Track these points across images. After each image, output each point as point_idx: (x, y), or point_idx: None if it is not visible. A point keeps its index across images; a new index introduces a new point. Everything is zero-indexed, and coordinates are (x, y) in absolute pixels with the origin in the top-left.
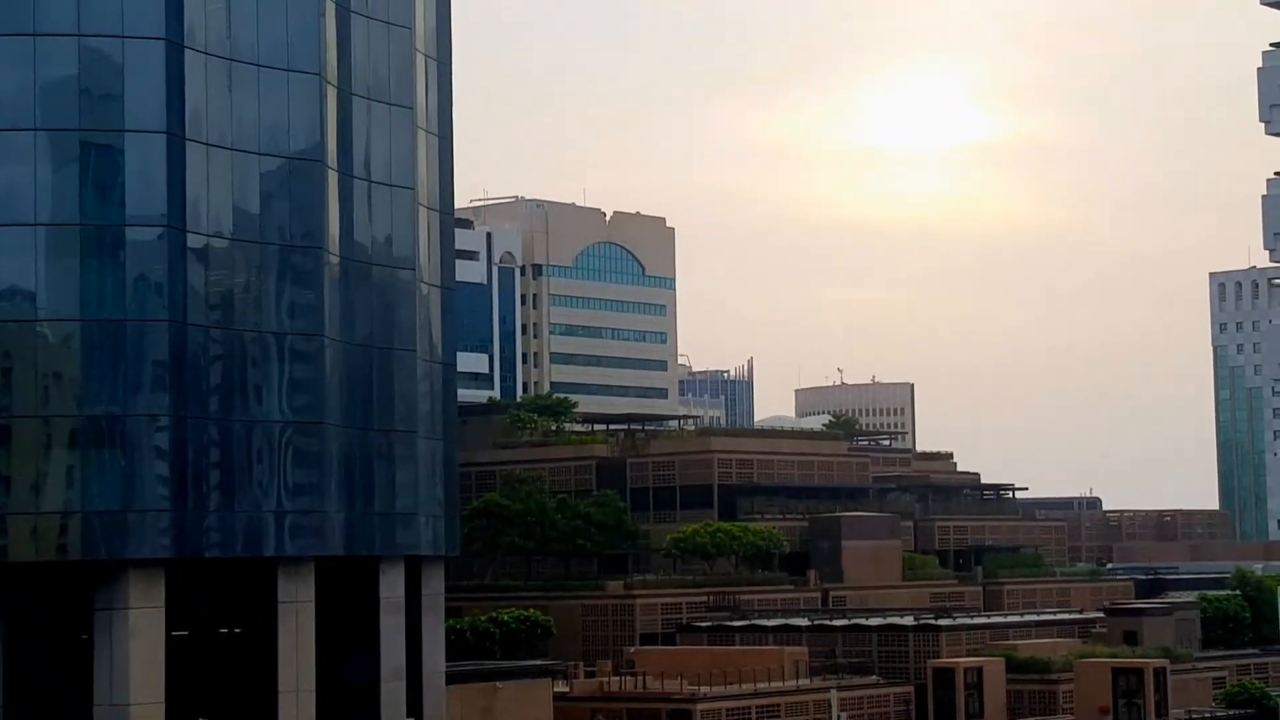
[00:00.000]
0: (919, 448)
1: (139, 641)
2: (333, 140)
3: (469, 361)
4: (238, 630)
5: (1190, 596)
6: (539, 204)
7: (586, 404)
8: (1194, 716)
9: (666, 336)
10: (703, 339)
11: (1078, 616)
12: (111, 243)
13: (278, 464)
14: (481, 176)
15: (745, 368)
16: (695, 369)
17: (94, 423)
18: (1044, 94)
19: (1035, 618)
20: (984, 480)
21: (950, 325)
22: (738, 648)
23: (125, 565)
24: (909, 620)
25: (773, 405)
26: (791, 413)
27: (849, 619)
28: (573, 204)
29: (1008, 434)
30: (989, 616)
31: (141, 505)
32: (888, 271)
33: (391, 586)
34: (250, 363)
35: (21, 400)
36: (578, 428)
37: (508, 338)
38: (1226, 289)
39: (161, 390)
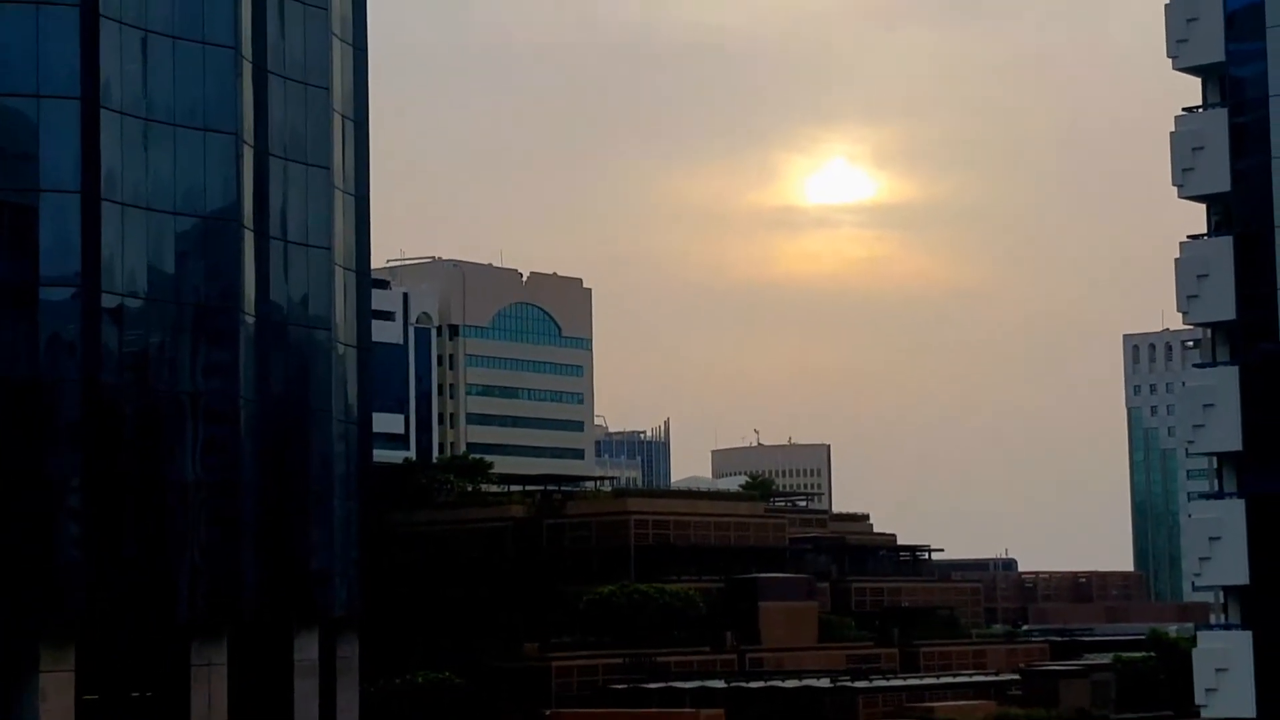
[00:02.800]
0: (835, 509)
1: (49, 705)
2: (249, 200)
3: (385, 422)
4: (149, 694)
5: (1106, 658)
6: (456, 264)
7: (503, 465)
8: None
9: (583, 397)
10: (619, 400)
11: (994, 678)
12: (25, 302)
13: (192, 525)
14: (398, 236)
15: (662, 429)
16: (612, 430)
17: (6, 482)
18: (959, 156)
19: (951, 679)
20: (900, 541)
21: (866, 386)
22: (654, 710)
23: (36, 627)
24: (825, 682)
25: (689, 466)
26: (708, 474)
27: (765, 681)
28: (490, 264)
29: (924, 495)
30: (905, 678)
31: (53, 565)
32: (803, 333)
33: (305, 649)
34: (165, 423)
35: None
36: (494, 488)
37: (424, 398)
38: (1140, 351)
39: (75, 450)
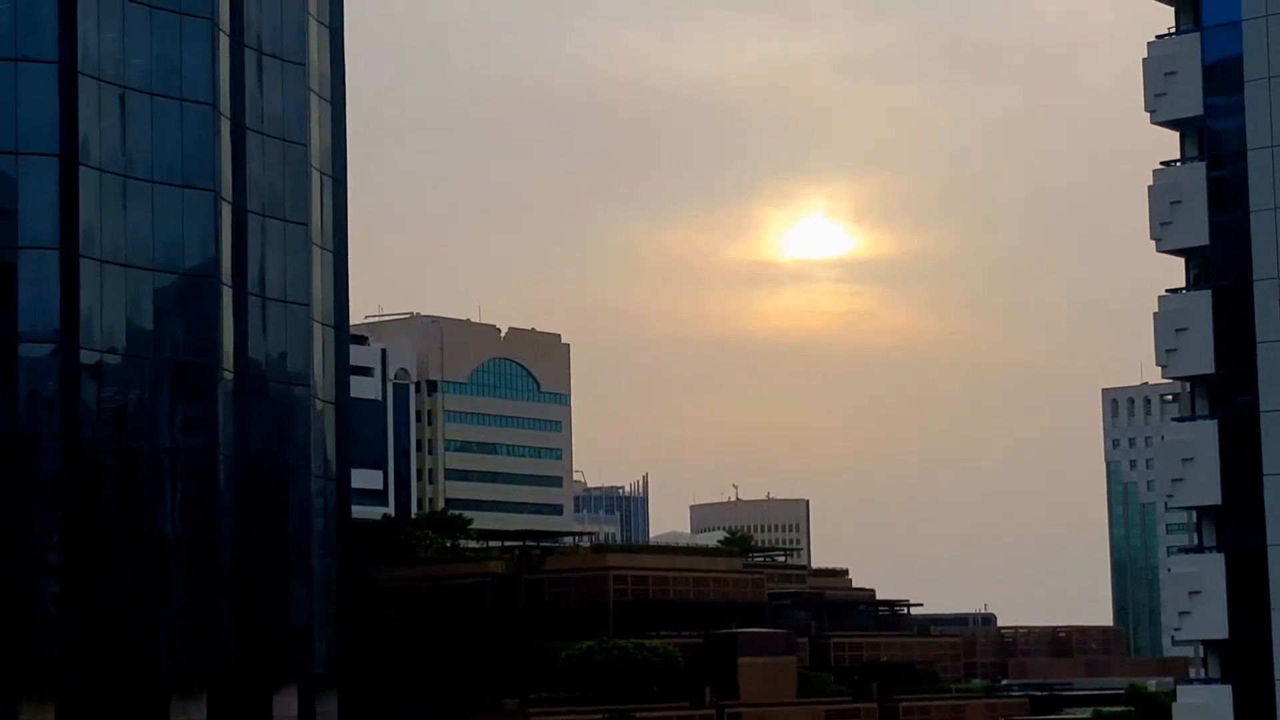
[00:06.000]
0: (814, 564)
1: None
2: (227, 256)
3: (364, 478)
4: None
5: (1085, 713)
6: (434, 320)
7: (482, 520)
8: None
9: (562, 453)
10: (598, 455)
11: None
12: (4, 359)
13: (171, 581)
14: (376, 293)
15: (640, 484)
16: (590, 485)
17: None
18: (937, 211)
19: None
20: (879, 596)
21: (845, 441)
22: None
23: (16, 683)
24: None
25: (668, 521)
26: (687, 529)
27: None
28: (468, 320)
29: (903, 550)
30: None
31: (33, 621)
32: (782, 387)
33: (285, 705)
34: (144, 479)
35: None
36: (473, 544)
37: (402, 454)
38: (1119, 405)
39: (53, 507)
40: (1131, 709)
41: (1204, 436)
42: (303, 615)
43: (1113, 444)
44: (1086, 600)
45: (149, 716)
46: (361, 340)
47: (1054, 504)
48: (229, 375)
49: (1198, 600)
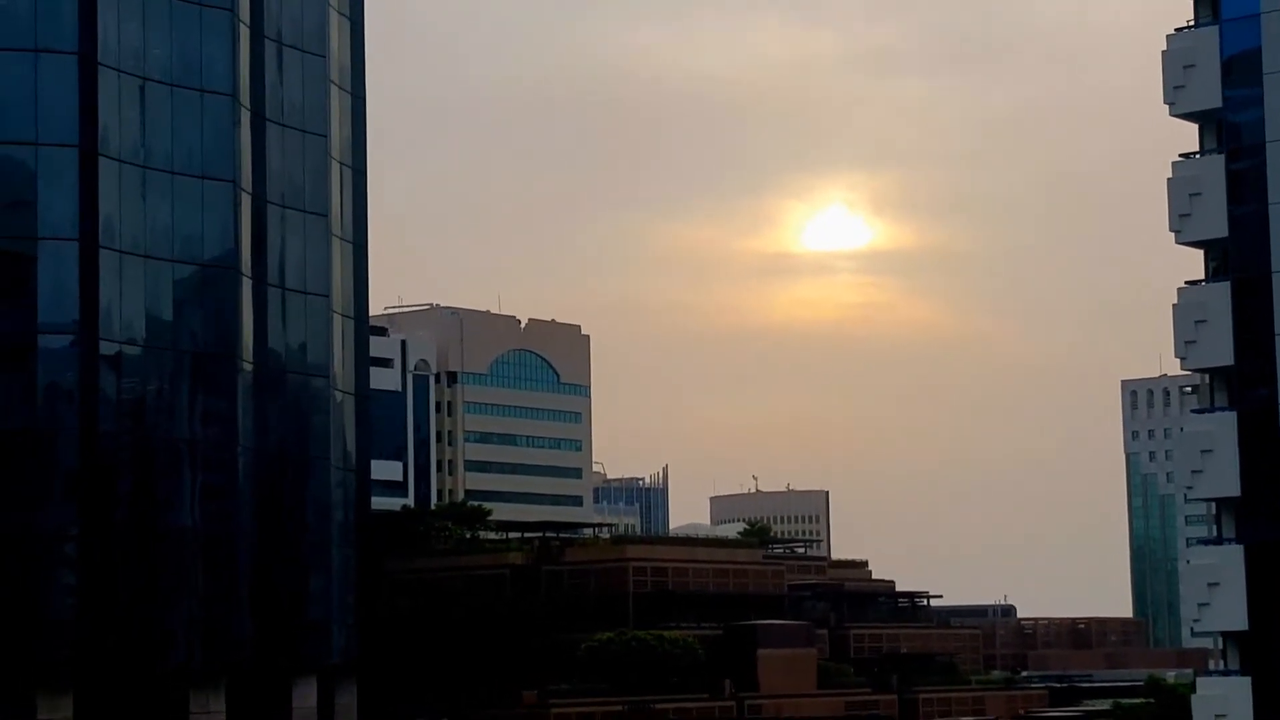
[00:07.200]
0: (834, 555)
1: None
2: (247, 247)
3: (383, 469)
4: None
5: (1105, 704)
6: (454, 311)
7: (501, 512)
8: None
9: (581, 444)
10: (618, 446)
11: None
12: (23, 350)
13: (189, 573)
14: (396, 284)
15: (660, 475)
16: (610, 476)
17: (2, 531)
18: (955, 203)
19: None
20: (899, 588)
21: (864, 433)
22: None
23: (32, 677)
24: None
25: (688, 513)
26: (706, 520)
27: None
28: (488, 311)
29: (922, 541)
30: None
31: (50, 614)
32: (801, 379)
33: (304, 697)
34: (162, 471)
35: None
36: (492, 536)
37: (422, 445)
38: (1139, 397)
39: (71, 499)
40: (1151, 700)
41: (1223, 428)
42: (321, 607)
43: (1132, 436)
44: (1106, 592)
45: (167, 709)
46: (381, 331)
47: (1073, 496)
48: (248, 366)
49: (1217, 592)
